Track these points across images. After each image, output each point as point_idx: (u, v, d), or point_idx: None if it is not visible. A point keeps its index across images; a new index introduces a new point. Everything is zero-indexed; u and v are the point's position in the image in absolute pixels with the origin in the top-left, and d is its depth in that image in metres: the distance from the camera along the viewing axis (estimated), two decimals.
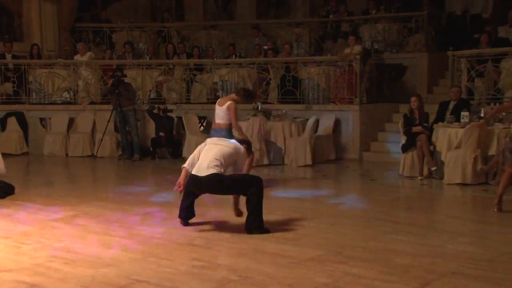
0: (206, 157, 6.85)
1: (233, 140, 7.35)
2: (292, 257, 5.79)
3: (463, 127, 9.88)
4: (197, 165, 6.87)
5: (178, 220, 7.10)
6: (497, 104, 10.99)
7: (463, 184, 9.66)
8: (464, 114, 10.18)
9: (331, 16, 16.62)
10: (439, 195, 9.69)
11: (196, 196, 7.07)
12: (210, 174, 6.66)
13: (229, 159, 6.91)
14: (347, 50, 13.68)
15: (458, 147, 9.88)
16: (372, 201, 8.97)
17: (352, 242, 6.41)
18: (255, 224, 6.73)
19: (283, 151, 12.40)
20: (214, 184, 6.73)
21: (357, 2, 17.37)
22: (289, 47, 14.93)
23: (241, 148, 7.12)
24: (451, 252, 6.03)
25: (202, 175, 6.71)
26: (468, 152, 9.70)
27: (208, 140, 7.31)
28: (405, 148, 10.63)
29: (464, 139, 9.75)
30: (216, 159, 6.77)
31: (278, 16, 18.54)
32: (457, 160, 9.74)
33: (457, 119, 10.22)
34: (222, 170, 6.77)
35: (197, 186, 6.86)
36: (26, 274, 5.38)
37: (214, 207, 7.46)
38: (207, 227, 7.11)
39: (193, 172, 6.86)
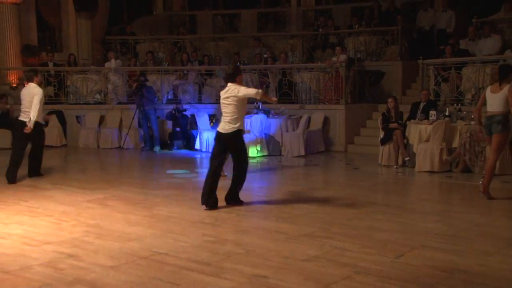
0: None
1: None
2: (287, 233, 5.79)
3: (431, 123, 9.91)
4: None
5: (192, 201, 7.12)
6: (460, 104, 11.01)
7: (431, 172, 9.65)
8: (432, 112, 10.20)
9: (320, 30, 16.61)
10: (411, 181, 9.67)
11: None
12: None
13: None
14: (334, 59, 13.70)
15: (427, 140, 9.90)
16: (355, 186, 8.96)
17: (338, 220, 6.40)
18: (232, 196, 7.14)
19: (280, 144, 12.40)
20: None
21: (342, 18, 17.39)
22: (285, 55, 14.92)
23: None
24: (421, 228, 6.04)
25: None
26: (435, 145, 9.71)
27: None
28: (383, 142, 10.65)
29: (432, 134, 9.78)
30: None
31: (276, 29, 18.50)
32: (426, 151, 9.76)
33: (426, 117, 10.23)
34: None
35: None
36: (65, 246, 5.40)
37: (221, 192, 7.42)
38: (215, 209, 7.10)
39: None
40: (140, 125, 13.75)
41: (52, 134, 14.47)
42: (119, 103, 14.80)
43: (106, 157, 13.06)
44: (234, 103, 6.90)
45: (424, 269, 4.66)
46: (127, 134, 13.77)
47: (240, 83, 7.12)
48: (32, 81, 9.26)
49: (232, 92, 6.91)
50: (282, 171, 10.69)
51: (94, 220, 6.45)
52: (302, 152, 12.01)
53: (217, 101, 14.20)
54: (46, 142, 14.33)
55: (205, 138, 13.04)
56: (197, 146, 13.12)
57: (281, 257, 4.97)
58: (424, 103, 10.64)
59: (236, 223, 6.38)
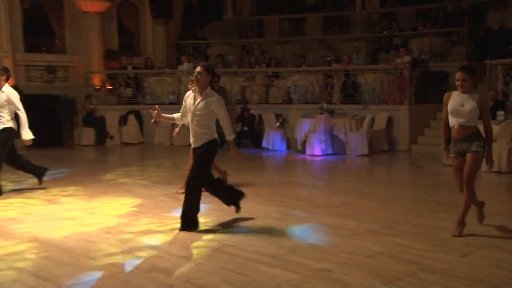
0: None
1: None
2: (351, 230, 5.71)
3: (499, 124, 9.47)
4: None
5: (258, 197, 7.10)
6: None
7: (499, 172, 9.25)
8: (500, 113, 9.75)
9: (385, 32, 16.30)
10: (478, 181, 9.22)
11: None
12: None
13: None
14: (398, 60, 13.40)
15: (494, 141, 9.46)
16: (419, 185, 8.72)
17: (402, 218, 6.25)
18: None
19: (344, 143, 12.25)
20: None
21: (407, 20, 16.95)
22: (348, 57, 14.73)
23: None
24: (487, 229, 5.77)
25: None
26: (503, 145, 9.30)
27: None
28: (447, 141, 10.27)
29: (500, 134, 9.35)
30: None
31: (340, 32, 18.29)
32: (494, 152, 9.30)
33: (494, 117, 9.77)
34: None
35: None
36: (142, 236, 5.54)
37: (286, 188, 7.40)
38: (282, 204, 7.11)
39: None
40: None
41: (130, 132, 14.95)
42: None
43: (179, 154, 13.31)
44: None
45: (491, 269, 4.46)
46: None
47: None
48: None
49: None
50: (345, 169, 10.56)
51: (168, 212, 6.59)
52: (366, 151, 11.82)
53: (283, 101, 14.35)
54: (125, 139, 14.91)
55: (271, 137, 13.07)
56: (264, 144, 13.17)
57: (345, 252, 4.90)
58: (492, 103, 10.19)
59: (301, 219, 6.35)
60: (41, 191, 8.00)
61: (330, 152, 12.07)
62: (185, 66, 15.61)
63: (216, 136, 5.94)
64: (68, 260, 4.77)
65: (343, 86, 13.63)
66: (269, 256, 4.81)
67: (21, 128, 7.77)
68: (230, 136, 5.97)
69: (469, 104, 5.21)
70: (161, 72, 16.03)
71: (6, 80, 7.79)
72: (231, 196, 6.21)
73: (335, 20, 18.87)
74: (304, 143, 12.31)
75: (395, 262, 4.66)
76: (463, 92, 5.25)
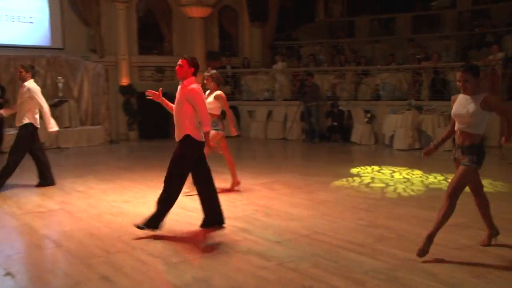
0: None
1: None
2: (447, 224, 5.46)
3: None
4: None
5: (348, 189, 6.97)
6: None
7: None
8: None
9: (476, 30, 15.39)
10: None
11: None
12: None
13: None
14: (491, 57, 12.61)
15: None
16: (509, 180, 8.17)
17: (492, 213, 5.88)
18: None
19: (432, 138, 11.74)
20: None
21: (500, 17, 15.87)
22: (437, 55, 14.07)
23: None
24: None
25: None
26: None
27: None
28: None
29: None
30: None
31: (430, 31, 17.49)
32: None
33: None
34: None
35: None
36: (238, 221, 5.64)
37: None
38: (370, 195, 6.95)
39: None
40: (302, 119, 13.93)
41: (228, 126, 15.24)
42: (285, 99, 15.10)
43: (273, 147, 13.42)
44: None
45: None
46: (291, 127, 14.02)
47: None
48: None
49: None
50: (433, 163, 10.11)
51: (262, 200, 6.66)
52: None
53: (372, 98, 14.00)
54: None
55: (360, 132, 12.82)
56: (353, 139, 12.95)
57: (433, 244, 4.66)
58: None
59: (389, 210, 6.17)
60: (150, 177, 8.33)
61: (417, 146, 11.63)
62: (279, 65, 15.66)
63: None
64: (174, 240, 4.96)
65: (432, 83, 13.06)
66: (357, 244, 4.73)
67: (46, 122, 7.49)
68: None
69: (471, 108, 4.35)
70: (257, 71, 16.20)
71: (32, 77, 7.50)
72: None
73: (425, 19, 18.09)
74: (391, 137, 11.97)
75: (484, 256, 4.40)
76: (466, 94, 4.40)
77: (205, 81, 7.06)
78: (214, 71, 7.12)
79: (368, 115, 13.28)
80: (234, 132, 7.31)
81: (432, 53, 14.45)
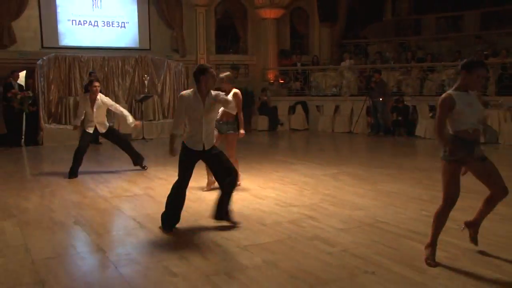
0: None
1: None
2: (502, 215, 5.16)
3: None
4: None
5: (411, 180, 6.75)
6: None
7: None
8: None
9: None
10: None
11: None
12: None
13: None
14: None
15: None
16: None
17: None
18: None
19: (497, 133, 11.10)
20: None
21: None
22: (505, 51, 13.24)
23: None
24: None
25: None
26: None
27: None
28: None
29: None
30: None
31: (500, 27, 16.46)
32: None
33: None
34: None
35: None
36: (305, 209, 5.63)
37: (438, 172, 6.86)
38: (433, 187, 6.68)
39: None
40: (368, 114, 13.63)
41: (298, 120, 15.23)
42: (351, 95, 14.84)
43: (339, 140, 13.24)
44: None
45: None
46: (357, 121, 13.76)
47: (206, 84, 4.68)
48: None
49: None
50: (498, 157, 9.57)
51: (329, 190, 6.60)
52: None
53: (437, 94, 13.41)
54: (293, 126, 15.25)
55: (424, 126, 12.36)
56: (417, 133, 12.51)
57: (496, 236, 4.46)
58: None
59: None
60: None
61: (482, 140, 11.03)
62: (347, 62, 15.40)
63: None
64: (246, 225, 5.04)
65: (499, 78, 12.31)
66: (419, 233, 4.58)
67: (127, 119, 7.90)
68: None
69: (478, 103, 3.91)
70: (325, 68, 16.04)
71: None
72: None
73: (494, 16, 17.04)
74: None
75: None
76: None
77: (222, 84, 6.35)
78: (228, 73, 6.70)
79: (433, 110, 12.76)
80: (241, 134, 6.58)
81: (500, 49, 13.64)
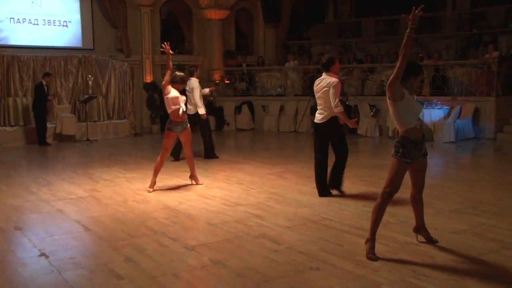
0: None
1: None
2: (437, 209, 5.42)
3: None
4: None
5: (353, 177, 6.91)
6: None
7: None
8: None
9: (474, 30, 15.13)
10: None
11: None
12: None
13: None
14: (487, 55, 12.42)
15: None
16: (504, 170, 8.06)
17: (486, 200, 5.82)
18: None
19: (432, 131, 11.61)
20: None
21: (497, 18, 15.59)
22: (438, 54, 13.88)
23: None
24: None
25: None
26: None
27: None
28: None
29: None
30: None
31: (431, 31, 17.23)
32: None
33: None
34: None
35: None
36: (252, 208, 5.64)
37: (379, 170, 7.15)
38: (375, 184, 6.88)
39: None
40: (312, 113, 13.84)
41: (243, 119, 15.24)
42: (296, 95, 15.04)
43: (284, 139, 13.37)
44: (326, 94, 5.96)
45: None
46: (301, 120, 13.95)
47: (335, 73, 6.02)
48: (193, 76, 8.78)
49: (324, 82, 5.97)
50: (432, 154, 10.01)
51: (274, 189, 6.65)
52: (453, 138, 11.13)
53: (377, 93, 13.85)
54: (239, 126, 15.27)
55: (366, 124, 12.72)
56: (359, 131, 12.85)
57: (431, 229, 4.62)
58: None
59: (394, 198, 6.10)
60: (170, 166, 8.36)
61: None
62: (291, 63, 15.59)
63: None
64: (193, 225, 4.98)
65: (432, 79, 12.89)
66: (362, 229, 4.70)
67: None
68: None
69: None
70: (270, 68, 16.15)
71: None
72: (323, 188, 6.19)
73: (427, 21, 17.82)
74: (395, 130, 11.84)
75: (478, 239, 4.36)
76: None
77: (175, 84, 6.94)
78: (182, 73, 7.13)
79: (374, 109, 13.17)
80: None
81: (433, 52, 14.26)
